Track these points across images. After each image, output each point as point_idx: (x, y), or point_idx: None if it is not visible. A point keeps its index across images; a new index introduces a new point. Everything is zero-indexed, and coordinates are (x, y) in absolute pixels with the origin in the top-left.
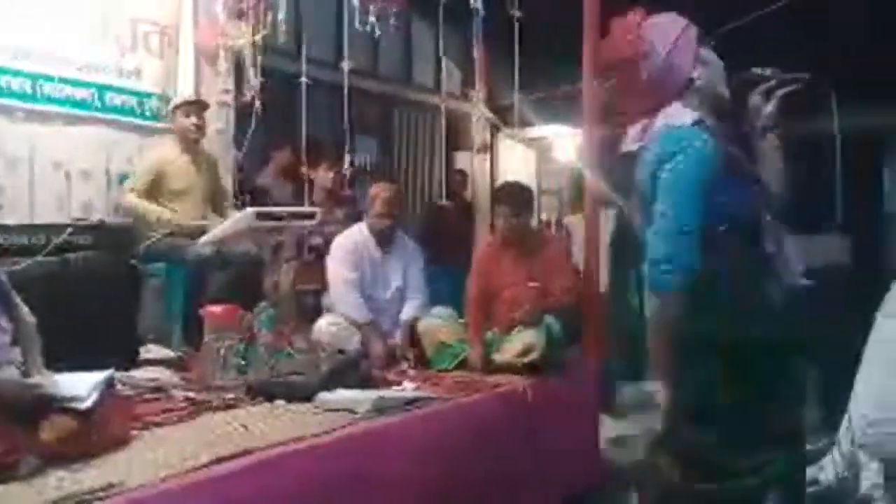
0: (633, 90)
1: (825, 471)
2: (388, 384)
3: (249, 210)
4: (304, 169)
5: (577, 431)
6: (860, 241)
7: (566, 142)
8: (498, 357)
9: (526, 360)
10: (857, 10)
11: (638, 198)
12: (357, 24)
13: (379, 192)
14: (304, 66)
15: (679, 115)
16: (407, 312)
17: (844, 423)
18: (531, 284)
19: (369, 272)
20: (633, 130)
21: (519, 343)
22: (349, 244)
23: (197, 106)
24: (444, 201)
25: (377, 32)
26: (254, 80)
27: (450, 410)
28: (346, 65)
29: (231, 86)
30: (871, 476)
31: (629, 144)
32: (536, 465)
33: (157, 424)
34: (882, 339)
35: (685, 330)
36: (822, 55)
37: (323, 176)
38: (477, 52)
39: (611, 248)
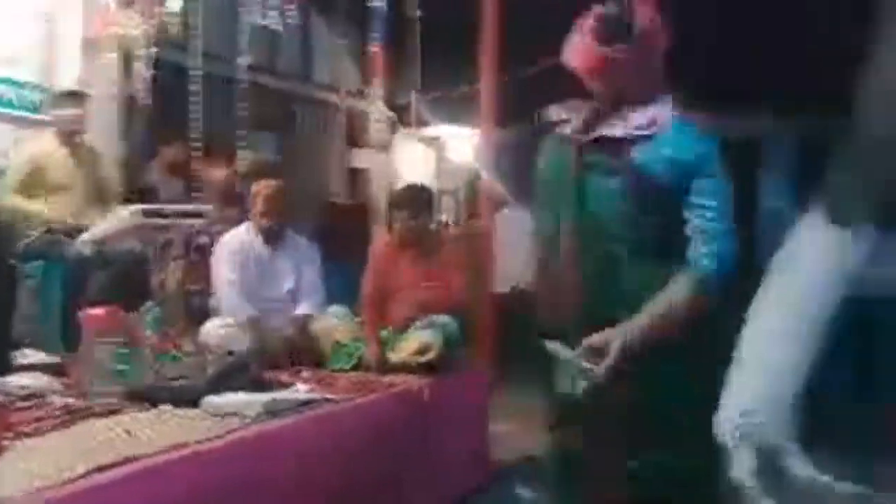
0: (647, 67)
1: None
2: (280, 386)
3: (135, 207)
4: (195, 166)
5: (470, 431)
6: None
7: (465, 142)
8: (394, 356)
9: (422, 359)
10: (730, 24)
11: (635, 182)
12: (255, 18)
13: (260, 189)
14: (198, 59)
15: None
16: (301, 311)
17: (718, 415)
18: (428, 284)
19: (256, 271)
20: (640, 117)
21: (415, 342)
22: (234, 243)
23: (77, 97)
24: (343, 199)
25: (276, 27)
26: (144, 72)
27: (344, 411)
28: (243, 59)
29: (119, 77)
30: (742, 465)
31: (626, 129)
32: (431, 465)
33: (32, 433)
34: (753, 334)
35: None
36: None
37: (216, 173)
38: (376, 50)
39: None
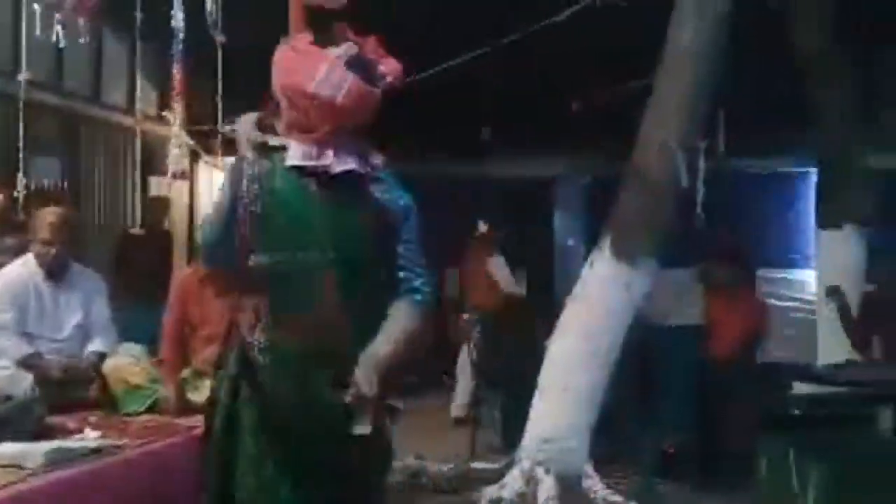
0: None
1: (506, 487)
2: (66, 433)
3: None
4: None
5: None
6: (535, 273)
7: None
8: (196, 396)
9: None
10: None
11: (376, 218)
12: (38, 32)
13: (44, 216)
14: None
15: None
16: (91, 350)
17: (523, 442)
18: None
19: (35, 309)
20: (375, 157)
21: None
22: (11, 277)
23: None
24: (138, 230)
25: (62, 43)
26: None
27: (138, 458)
28: (23, 75)
29: None
30: (546, 489)
31: (366, 167)
32: None
33: None
34: (553, 363)
35: None
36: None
37: None
38: (176, 74)
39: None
